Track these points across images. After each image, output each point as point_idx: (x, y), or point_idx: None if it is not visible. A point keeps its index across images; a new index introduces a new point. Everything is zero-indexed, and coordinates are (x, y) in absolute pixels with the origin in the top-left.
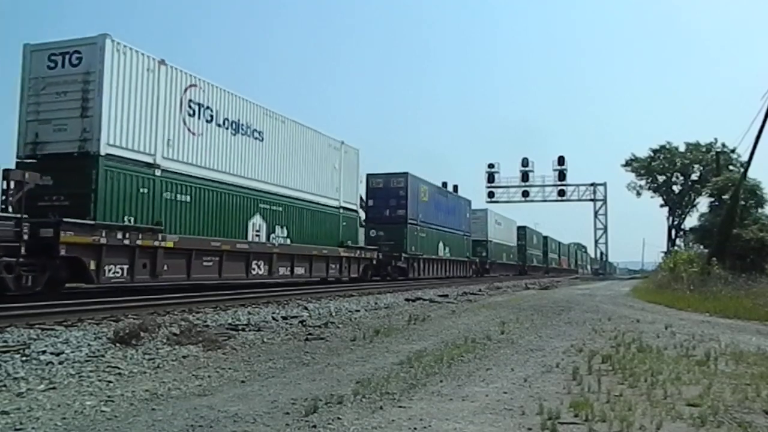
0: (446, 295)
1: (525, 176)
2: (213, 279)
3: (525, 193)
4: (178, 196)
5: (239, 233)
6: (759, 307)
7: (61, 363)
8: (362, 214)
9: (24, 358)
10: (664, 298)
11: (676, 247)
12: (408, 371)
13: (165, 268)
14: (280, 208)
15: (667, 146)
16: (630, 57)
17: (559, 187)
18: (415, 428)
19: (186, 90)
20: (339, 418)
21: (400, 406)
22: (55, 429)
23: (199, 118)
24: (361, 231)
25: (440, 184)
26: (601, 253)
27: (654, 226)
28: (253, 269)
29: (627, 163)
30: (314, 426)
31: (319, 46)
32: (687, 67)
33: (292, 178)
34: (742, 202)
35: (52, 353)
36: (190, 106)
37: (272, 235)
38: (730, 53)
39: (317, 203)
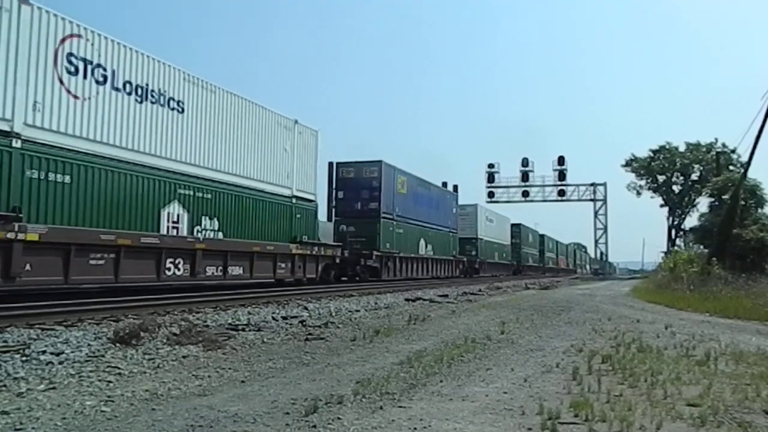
0: (446, 295)
1: (525, 176)
2: (107, 282)
3: (525, 193)
4: (51, 175)
5: (149, 224)
6: (759, 307)
7: (61, 363)
8: (332, 207)
9: (24, 358)
10: (664, 298)
11: (676, 247)
12: (408, 371)
13: (27, 267)
14: (209, 195)
15: (667, 146)
16: (630, 57)
17: (559, 187)
18: (415, 428)
19: (64, 40)
20: (339, 418)
21: (400, 406)
22: (55, 429)
23: (85, 77)
24: (328, 226)
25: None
26: (601, 253)
27: (654, 226)
28: (168, 269)
29: (627, 163)
30: (314, 426)
31: (319, 46)
32: (687, 67)
33: (226, 159)
34: (742, 202)
35: (52, 353)
36: (70, 62)
37: (197, 228)
38: (730, 53)
39: (261, 191)
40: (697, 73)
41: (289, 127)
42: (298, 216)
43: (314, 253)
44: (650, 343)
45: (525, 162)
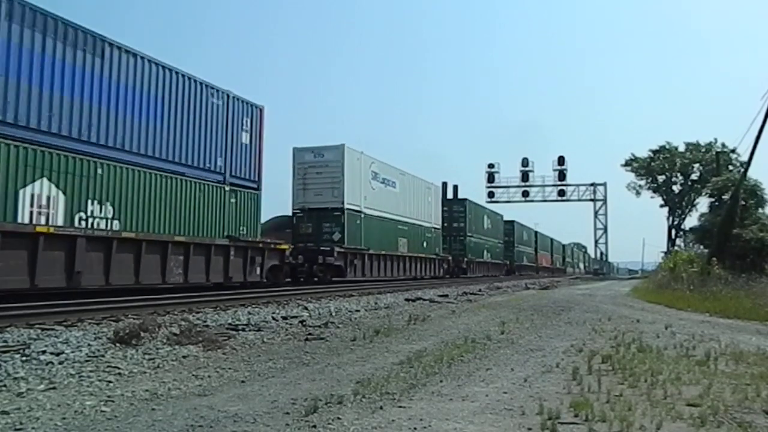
0: (446, 295)
1: (525, 176)
2: None
3: (525, 193)
4: None
5: None
6: (759, 307)
7: (61, 363)
8: None
9: (24, 358)
10: (664, 298)
11: (676, 247)
12: (408, 371)
13: None
14: None
15: (667, 146)
16: (630, 57)
17: (559, 187)
18: (415, 428)
19: None
20: (339, 418)
21: (400, 406)
22: (55, 429)
23: None
24: None
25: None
26: (601, 253)
27: (654, 226)
28: None
29: (627, 163)
30: (314, 426)
31: (318, 46)
32: (687, 66)
33: None
34: (742, 202)
35: (52, 353)
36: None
37: None
38: (731, 53)
39: None
40: (698, 73)
41: None
42: None
43: None
44: (650, 343)
45: (525, 162)
